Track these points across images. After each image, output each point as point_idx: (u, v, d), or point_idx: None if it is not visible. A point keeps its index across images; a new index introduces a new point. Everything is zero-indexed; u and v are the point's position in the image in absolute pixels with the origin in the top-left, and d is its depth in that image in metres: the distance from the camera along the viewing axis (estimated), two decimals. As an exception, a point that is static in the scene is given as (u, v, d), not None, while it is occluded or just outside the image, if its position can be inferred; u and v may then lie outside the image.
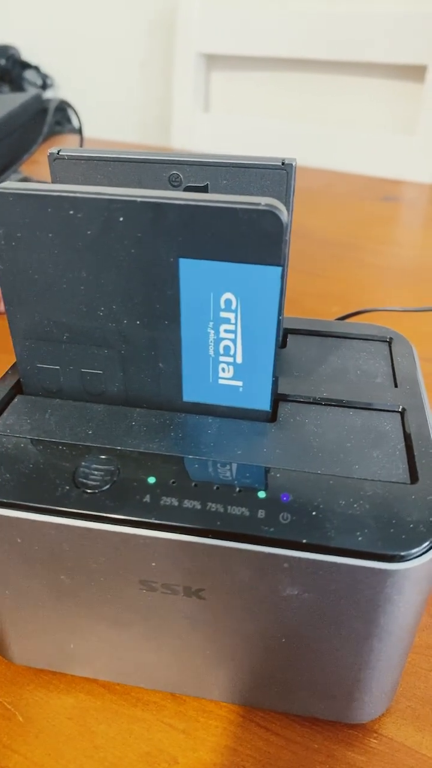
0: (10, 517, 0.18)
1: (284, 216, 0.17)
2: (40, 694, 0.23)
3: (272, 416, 0.22)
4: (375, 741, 0.22)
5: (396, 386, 0.23)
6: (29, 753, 0.21)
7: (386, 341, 0.26)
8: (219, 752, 0.22)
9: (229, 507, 0.18)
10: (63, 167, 0.23)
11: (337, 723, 0.22)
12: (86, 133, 0.75)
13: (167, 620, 0.20)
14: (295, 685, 0.21)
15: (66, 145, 1.00)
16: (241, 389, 0.21)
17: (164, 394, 0.22)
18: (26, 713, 0.23)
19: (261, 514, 0.18)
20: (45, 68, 1.26)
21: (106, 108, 1.24)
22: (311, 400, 0.22)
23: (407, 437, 0.21)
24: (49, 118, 0.63)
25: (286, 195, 0.22)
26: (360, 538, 0.17)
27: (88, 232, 0.19)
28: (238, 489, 0.18)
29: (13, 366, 0.24)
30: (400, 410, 0.22)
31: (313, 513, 0.18)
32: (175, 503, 0.18)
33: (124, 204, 0.18)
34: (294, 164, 0.22)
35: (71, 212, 0.19)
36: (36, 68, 1.24)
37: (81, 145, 0.73)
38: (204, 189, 0.22)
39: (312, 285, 0.55)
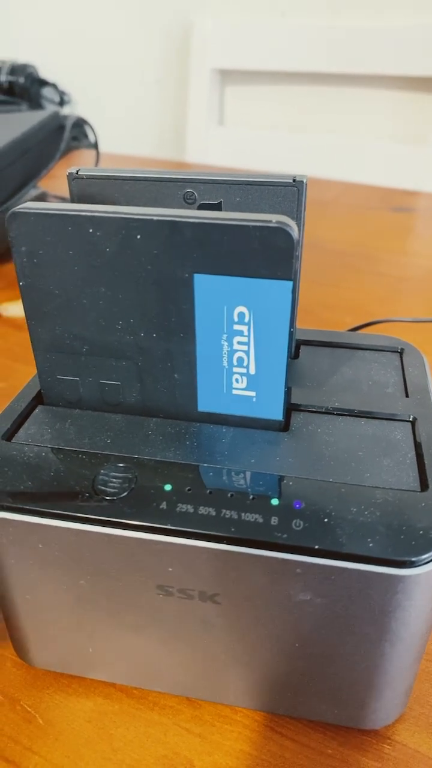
0: (31, 523, 0.19)
1: (295, 233, 0.18)
2: (60, 698, 0.24)
3: (285, 425, 0.22)
4: (389, 747, 0.22)
5: (407, 396, 0.24)
6: (49, 755, 0.22)
7: (398, 352, 0.27)
8: (234, 756, 0.22)
9: (243, 514, 0.18)
10: (81, 186, 0.24)
11: (351, 729, 0.23)
12: (102, 148, 0.76)
13: (183, 625, 0.21)
14: (308, 690, 0.22)
15: (83, 160, 1.02)
16: (254, 399, 0.22)
17: (180, 404, 0.22)
18: (46, 716, 0.23)
19: (274, 520, 0.18)
20: (62, 85, 1.29)
21: (122, 123, 1.27)
22: (323, 410, 0.23)
23: (418, 446, 0.21)
24: (67, 134, 0.65)
25: (297, 211, 0.23)
26: (371, 545, 0.18)
27: (107, 250, 0.20)
28: (251, 496, 0.19)
29: (34, 378, 0.24)
30: (411, 419, 0.22)
31: (325, 520, 0.18)
32: (191, 510, 0.19)
33: (141, 222, 0.19)
34: (305, 181, 0.22)
35: (90, 230, 0.19)
36: (54, 85, 1.27)
37: (97, 161, 0.74)
38: (218, 206, 0.23)
39: (324, 295, 0.56)
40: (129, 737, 0.23)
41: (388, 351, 0.27)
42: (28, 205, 0.20)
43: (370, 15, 0.96)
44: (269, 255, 0.18)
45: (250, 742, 0.22)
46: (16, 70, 1.16)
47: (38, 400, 0.24)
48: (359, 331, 0.34)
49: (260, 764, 0.22)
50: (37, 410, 0.23)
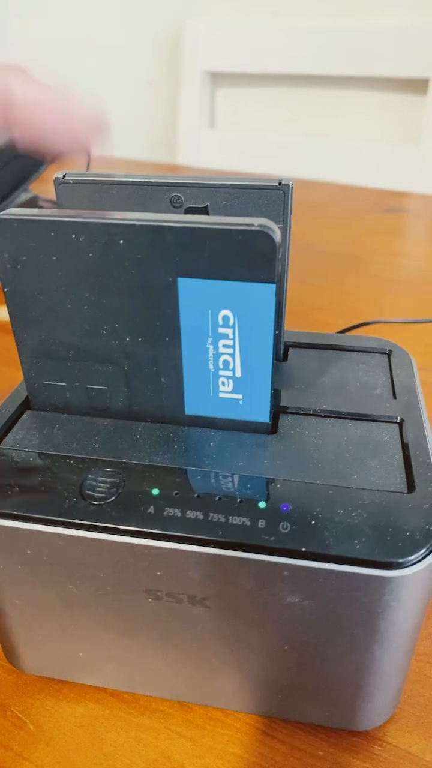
0: (19, 529, 0.19)
1: (276, 236, 0.18)
2: (50, 703, 0.24)
3: (273, 428, 0.22)
4: (380, 748, 0.22)
5: (395, 398, 0.24)
6: (40, 760, 0.22)
7: (386, 353, 0.27)
8: (225, 759, 0.22)
9: (230, 517, 0.18)
10: (68, 191, 0.24)
11: (342, 731, 0.23)
12: (94, 150, 0.76)
13: (172, 629, 0.21)
14: (298, 692, 0.22)
15: (74, 162, 1.02)
16: (241, 402, 0.22)
17: (167, 408, 0.22)
18: (37, 721, 0.23)
19: (261, 523, 0.18)
20: None
21: (115, 125, 1.27)
22: (311, 412, 0.23)
23: (405, 447, 0.21)
24: None
25: (283, 213, 0.23)
26: (358, 546, 0.18)
27: (90, 255, 0.20)
28: (239, 500, 0.19)
29: (22, 382, 0.24)
30: (398, 421, 0.22)
31: (312, 522, 0.18)
32: (178, 514, 0.19)
33: (124, 228, 0.19)
34: (291, 184, 0.22)
35: (73, 236, 0.19)
36: None
37: (88, 164, 0.74)
38: (204, 210, 0.23)
39: (317, 297, 0.56)
40: (120, 742, 0.22)
41: (376, 353, 0.27)
42: (11, 212, 0.20)
43: (361, 17, 0.96)
44: (252, 258, 0.19)
45: (241, 745, 0.22)
46: None
47: (26, 405, 0.23)
48: (348, 333, 0.34)
49: (251, 767, 0.22)
50: (25, 415, 0.23)
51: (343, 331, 0.34)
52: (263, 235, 0.18)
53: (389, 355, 0.27)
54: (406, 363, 0.26)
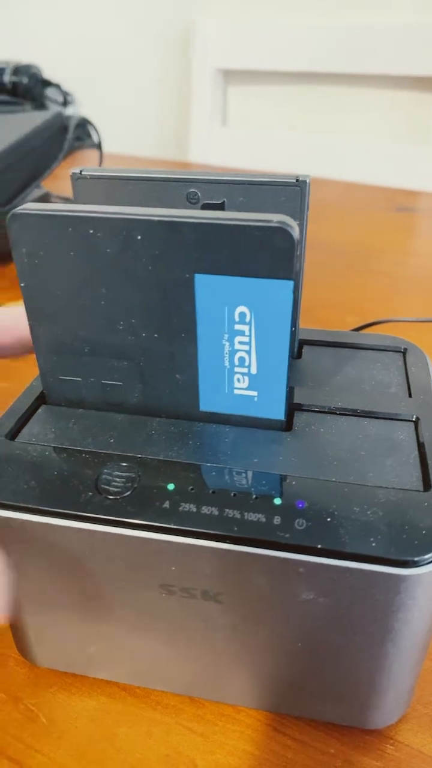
0: (35, 522, 0.19)
1: (295, 232, 0.18)
2: (63, 697, 0.24)
3: (287, 425, 0.22)
4: (391, 747, 0.22)
5: (410, 396, 0.24)
6: (52, 753, 0.22)
7: (400, 351, 0.27)
8: (236, 756, 0.22)
9: (245, 513, 0.18)
10: (85, 186, 0.24)
11: (354, 729, 0.23)
12: (105, 148, 0.76)
13: (186, 624, 0.21)
14: (311, 690, 0.22)
15: (86, 160, 1.03)
16: (256, 399, 0.22)
17: (182, 404, 0.22)
18: (49, 715, 0.23)
19: (277, 520, 0.18)
20: (66, 86, 1.29)
21: (125, 123, 1.27)
22: (326, 410, 0.23)
23: (421, 446, 0.21)
24: (70, 134, 0.65)
25: (300, 210, 0.23)
26: (373, 544, 0.18)
27: (108, 251, 0.20)
28: (254, 496, 0.19)
29: (37, 377, 0.24)
30: (413, 419, 0.22)
31: (328, 519, 0.18)
32: (194, 509, 0.19)
33: (142, 223, 0.19)
34: (308, 181, 0.22)
35: (91, 231, 0.19)
36: (57, 86, 1.27)
37: (100, 161, 0.75)
38: (221, 206, 0.23)
39: (327, 295, 0.56)
40: (132, 736, 0.23)
41: (391, 351, 0.27)
42: (29, 207, 0.20)
43: (374, 14, 0.96)
44: (270, 255, 0.18)
45: (252, 742, 0.22)
46: (19, 70, 1.16)
47: (42, 399, 0.24)
48: (362, 331, 0.34)
49: (262, 763, 0.22)
50: (40, 410, 0.23)
51: (356, 330, 0.34)
52: (282, 232, 0.18)
53: (404, 353, 0.27)
54: (422, 362, 0.26)
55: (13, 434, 0.22)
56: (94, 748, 0.22)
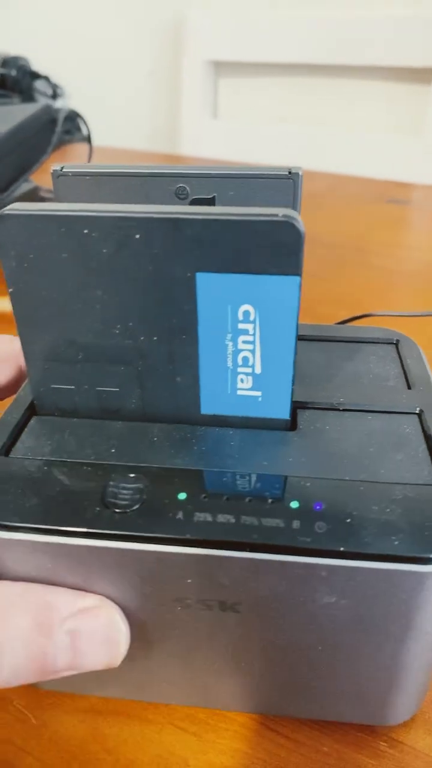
0: (40, 543, 0.18)
1: (302, 226, 0.17)
2: (53, 698, 0.23)
3: (292, 424, 0.22)
4: (384, 744, 0.22)
5: (410, 388, 0.24)
6: (42, 755, 0.21)
7: (393, 343, 0.27)
8: (229, 755, 0.22)
9: (263, 519, 0.18)
10: (67, 184, 0.23)
11: (347, 727, 0.22)
12: (95, 141, 0.73)
13: (201, 636, 0.20)
14: (328, 692, 0.21)
15: (75, 153, 0.99)
16: (260, 399, 0.21)
17: (182, 407, 0.22)
18: (40, 716, 0.22)
19: (296, 524, 0.18)
20: (55, 78, 1.24)
21: (115, 116, 1.23)
22: (329, 407, 0.22)
23: (428, 438, 0.21)
24: (59, 127, 0.62)
25: (293, 203, 0.22)
26: (396, 543, 0.17)
27: (104, 251, 0.19)
28: (270, 500, 0.18)
29: (25, 386, 0.23)
30: (417, 412, 0.22)
31: (347, 520, 0.18)
32: (210, 518, 0.18)
33: (141, 221, 0.18)
34: (300, 173, 0.22)
35: (85, 231, 0.18)
36: (46, 78, 1.22)
37: (90, 154, 0.72)
38: (211, 201, 0.22)
39: (318, 289, 0.55)
40: (123, 737, 0.22)
41: (383, 343, 0.27)
42: (17, 207, 0.18)
43: (364, 5, 0.95)
44: (275, 250, 0.18)
45: (245, 741, 0.22)
46: (7, 62, 1.12)
47: (32, 410, 0.22)
48: (350, 324, 0.33)
49: (255, 762, 0.21)
50: (32, 421, 0.22)
51: (342, 323, 0.34)
52: (288, 226, 0.17)
53: (397, 344, 0.27)
54: (416, 353, 0.26)
55: (6, 449, 0.21)
56: (85, 749, 0.22)
